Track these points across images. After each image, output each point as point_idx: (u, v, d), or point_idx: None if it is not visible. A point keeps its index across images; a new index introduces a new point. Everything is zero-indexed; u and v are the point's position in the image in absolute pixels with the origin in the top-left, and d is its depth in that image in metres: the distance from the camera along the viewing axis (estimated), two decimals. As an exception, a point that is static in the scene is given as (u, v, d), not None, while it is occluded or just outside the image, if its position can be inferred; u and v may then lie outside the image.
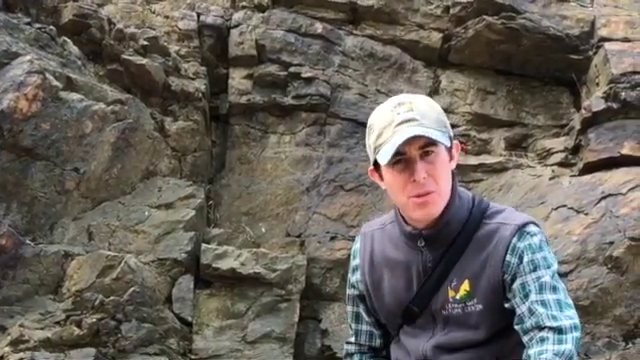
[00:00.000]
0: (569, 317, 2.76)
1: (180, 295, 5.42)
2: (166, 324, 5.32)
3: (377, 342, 3.12)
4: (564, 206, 5.65)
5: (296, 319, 5.43)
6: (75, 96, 5.60)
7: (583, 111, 6.12)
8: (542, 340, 2.72)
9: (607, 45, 6.33)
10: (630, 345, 5.26)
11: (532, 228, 2.86)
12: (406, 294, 2.95)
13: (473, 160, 6.20)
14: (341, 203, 6.03)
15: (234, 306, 5.45)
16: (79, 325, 5.15)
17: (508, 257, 2.82)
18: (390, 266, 3.00)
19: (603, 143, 5.96)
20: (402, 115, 2.80)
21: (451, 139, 2.89)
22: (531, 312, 2.75)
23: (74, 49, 5.91)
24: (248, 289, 5.48)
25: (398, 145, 2.74)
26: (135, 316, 5.24)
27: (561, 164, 6.17)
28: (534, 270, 2.79)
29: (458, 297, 2.89)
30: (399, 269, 2.97)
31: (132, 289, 5.27)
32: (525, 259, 2.80)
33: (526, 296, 2.77)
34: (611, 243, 5.33)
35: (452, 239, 2.89)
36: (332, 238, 5.85)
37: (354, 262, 3.13)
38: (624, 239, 5.32)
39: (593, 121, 6.05)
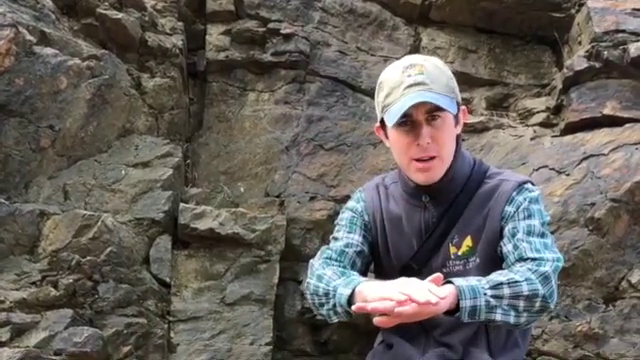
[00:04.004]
0: (553, 253, 2.84)
1: (158, 256, 5.34)
2: (144, 285, 5.25)
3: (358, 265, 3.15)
4: (545, 167, 5.62)
5: (276, 280, 5.37)
6: (49, 51, 5.47)
7: (565, 70, 6.07)
8: (522, 266, 2.77)
9: (590, 3, 6.25)
10: (610, 308, 5.27)
11: (531, 186, 3.00)
12: (407, 251, 3.03)
13: (454, 120, 6.13)
14: (321, 163, 5.95)
15: (213, 267, 5.39)
16: (55, 286, 5.08)
17: (507, 207, 2.93)
18: (392, 223, 3.07)
19: (585, 103, 5.91)
20: (412, 78, 2.86)
21: (458, 104, 2.96)
22: (515, 247, 2.86)
23: (48, 2, 5.76)
24: (227, 250, 5.41)
25: (405, 109, 2.76)
26: (112, 277, 5.17)
27: (542, 124, 6.13)
28: (527, 218, 2.89)
29: (460, 253, 2.97)
30: (401, 226, 3.04)
31: (109, 249, 5.19)
32: (521, 207, 2.91)
33: (513, 236, 2.87)
34: (592, 204, 5.31)
35: (454, 196, 2.96)
36: (312, 198, 5.78)
37: (359, 205, 3.15)
38: (605, 200, 5.30)
39: (575, 81, 5.99)
